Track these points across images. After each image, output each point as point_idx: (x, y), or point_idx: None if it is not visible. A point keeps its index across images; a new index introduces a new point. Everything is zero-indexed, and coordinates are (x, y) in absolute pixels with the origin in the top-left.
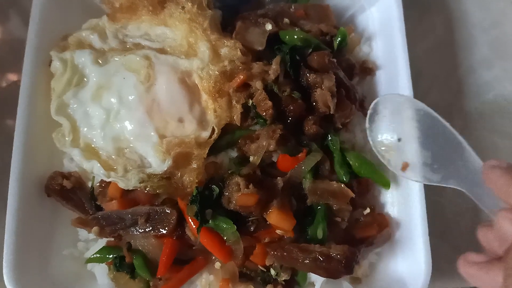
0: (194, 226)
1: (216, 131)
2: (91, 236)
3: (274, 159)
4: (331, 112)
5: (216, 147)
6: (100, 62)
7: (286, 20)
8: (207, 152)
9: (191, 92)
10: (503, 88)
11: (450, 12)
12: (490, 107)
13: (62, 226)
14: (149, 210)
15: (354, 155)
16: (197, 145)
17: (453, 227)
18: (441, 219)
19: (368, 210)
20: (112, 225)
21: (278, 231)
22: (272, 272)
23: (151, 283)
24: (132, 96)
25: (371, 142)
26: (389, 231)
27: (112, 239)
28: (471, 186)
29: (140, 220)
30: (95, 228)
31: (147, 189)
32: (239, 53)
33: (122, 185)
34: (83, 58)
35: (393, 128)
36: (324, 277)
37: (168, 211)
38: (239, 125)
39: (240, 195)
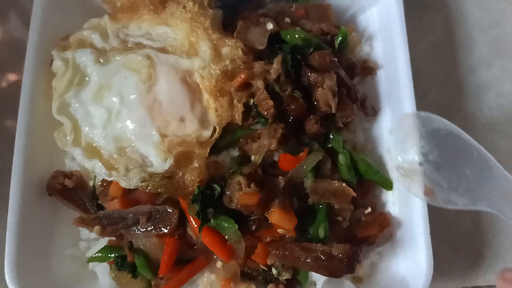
0: (195, 225)
1: (218, 130)
2: (93, 235)
3: (276, 158)
4: (332, 112)
5: (217, 146)
6: (102, 61)
7: (287, 19)
8: (208, 151)
9: (193, 91)
10: (502, 87)
11: (450, 12)
12: (490, 106)
13: (63, 225)
14: (150, 209)
15: (360, 158)
16: (198, 144)
17: (453, 227)
18: (441, 219)
19: (369, 210)
20: (113, 224)
21: (279, 231)
22: (274, 271)
23: (152, 282)
24: (134, 96)
25: (391, 165)
26: (390, 231)
27: (114, 238)
28: (503, 206)
29: (141, 219)
30: (96, 227)
31: (148, 188)
32: (240, 52)
33: (123, 184)
34: (84, 58)
35: (415, 150)
36: (326, 276)
37: (170, 210)
38: (240, 124)
39: (241, 194)
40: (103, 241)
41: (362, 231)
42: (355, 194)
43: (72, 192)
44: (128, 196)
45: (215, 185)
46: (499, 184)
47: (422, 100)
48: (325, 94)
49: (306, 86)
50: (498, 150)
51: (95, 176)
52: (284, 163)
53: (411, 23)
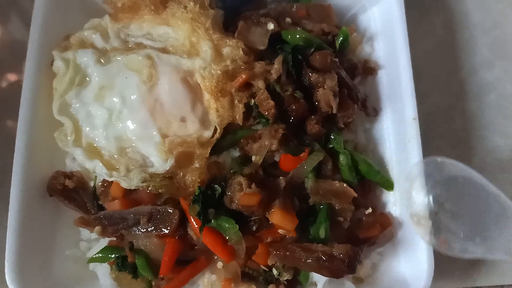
0: (196, 226)
1: (219, 130)
2: (93, 235)
3: (276, 158)
4: (334, 112)
5: (218, 147)
6: (102, 61)
7: (288, 19)
8: (209, 151)
9: (194, 91)
10: (504, 88)
11: (451, 13)
12: (491, 107)
13: (64, 226)
14: (151, 210)
15: (361, 159)
16: (199, 145)
17: None
18: None
19: (370, 210)
20: (114, 224)
21: (280, 231)
22: (274, 271)
23: (153, 283)
24: (135, 96)
25: (406, 214)
26: (391, 231)
27: (114, 238)
28: None
29: (142, 220)
30: (97, 228)
31: (149, 188)
32: (241, 52)
33: (124, 184)
34: (85, 58)
35: (430, 199)
36: (326, 276)
37: (170, 211)
38: (241, 124)
39: (242, 194)
40: (104, 242)
41: (363, 232)
42: (356, 195)
43: (73, 193)
44: (129, 196)
45: (216, 186)
46: None
47: (424, 101)
48: (326, 95)
49: (307, 87)
50: (499, 150)
51: (95, 177)
52: (285, 164)
53: (412, 24)
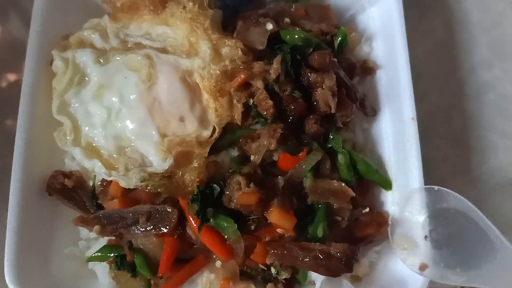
0: (195, 225)
1: (217, 130)
2: (92, 235)
3: (275, 158)
4: (332, 112)
5: (217, 146)
6: (102, 61)
7: (287, 19)
8: (208, 151)
9: (192, 91)
10: (503, 88)
11: (450, 13)
12: (490, 107)
13: (63, 225)
14: (150, 209)
15: (360, 158)
16: (198, 144)
17: None
18: None
19: (367, 209)
20: (113, 224)
21: (278, 230)
22: (273, 270)
23: (152, 282)
24: (133, 95)
25: (389, 237)
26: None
27: (113, 238)
28: (505, 283)
29: (141, 219)
30: (96, 227)
31: (148, 188)
32: (240, 52)
33: (123, 184)
34: (84, 58)
35: (419, 226)
36: (324, 275)
37: (169, 210)
38: (240, 124)
39: (241, 194)
40: (103, 241)
41: (360, 231)
42: (354, 194)
43: (72, 192)
44: (128, 195)
45: (215, 185)
46: (501, 272)
47: (423, 101)
48: (324, 94)
49: (306, 86)
50: (498, 150)
51: (94, 176)
52: (284, 163)
53: (411, 23)
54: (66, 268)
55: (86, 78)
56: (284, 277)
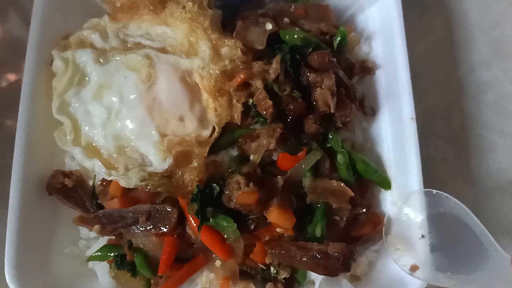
0: (194, 224)
1: (217, 130)
2: (92, 234)
3: (274, 157)
4: (331, 111)
5: (216, 146)
6: (101, 61)
7: (286, 19)
8: (207, 150)
9: (192, 91)
10: (502, 88)
11: (450, 12)
12: (489, 106)
13: (63, 224)
14: (150, 209)
15: (359, 158)
16: (197, 144)
17: None
18: None
19: (363, 210)
20: (113, 223)
21: (278, 230)
22: (272, 270)
23: (152, 281)
24: (133, 95)
25: (383, 237)
26: None
27: (113, 237)
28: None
29: (141, 219)
30: (96, 227)
31: (148, 187)
32: (239, 52)
33: (123, 183)
34: (84, 57)
35: (415, 228)
36: (321, 274)
37: (169, 210)
38: (239, 124)
39: (240, 193)
40: (103, 240)
41: (356, 230)
42: (353, 194)
43: (72, 191)
44: (128, 195)
45: (214, 185)
46: (492, 279)
47: (422, 100)
48: (324, 94)
49: (305, 86)
50: (497, 149)
51: (94, 176)
52: (283, 163)
53: (411, 23)
54: (66, 267)
55: (86, 78)
56: (283, 276)
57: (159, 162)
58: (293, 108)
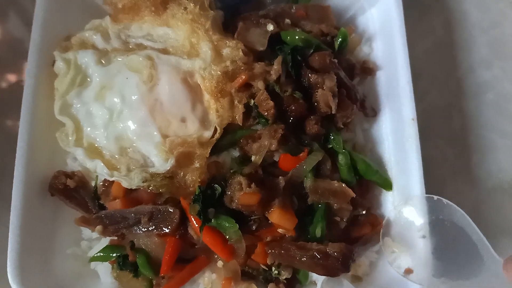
0: (196, 225)
1: (218, 130)
2: (95, 235)
3: (276, 158)
4: (333, 112)
5: (218, 147)
6: (103, 62)
7: (287, 20)
8: (209, 151)
9: (194, 92)
10: (501, 87)
11: (450, 12)
12: (489, 106)
13: (65, 225)
14: (152, 209)
15: (360, 158)
16: (199, 145)
17: None
18: None
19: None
20: (115, 224)
21: (279, 230)
22: (274, 270)
23: (154, 282)
24: (135, 96)
25: (380, 239)
26: None
27: (115, 238)
28: None
29: (143, 219)
30: (98, 227)
31: (150, 188)
32: (241, 53)
33: (125, 184)
34: (86, 58)
35: (409, 231)
36: (321, 274)
37: (171, 210)
38: (241, 124)
39: (242, 194)
40: (105, 241)
41: (356, 231)
42: (354, 195)
43: (74, 192)
44: (130, 196)
45: (216, 185)
46: (486, 275)
47: (422, 100)
48: (325, 95)
49: (306, 87)
50: (497, 149)
51: (97, 176)
52: (285, 163)
53: (411, 23)
54: (68, 268)
55: (88, 79)
56: (285, 277)
57: (161, 163)
58: (294, 109)
